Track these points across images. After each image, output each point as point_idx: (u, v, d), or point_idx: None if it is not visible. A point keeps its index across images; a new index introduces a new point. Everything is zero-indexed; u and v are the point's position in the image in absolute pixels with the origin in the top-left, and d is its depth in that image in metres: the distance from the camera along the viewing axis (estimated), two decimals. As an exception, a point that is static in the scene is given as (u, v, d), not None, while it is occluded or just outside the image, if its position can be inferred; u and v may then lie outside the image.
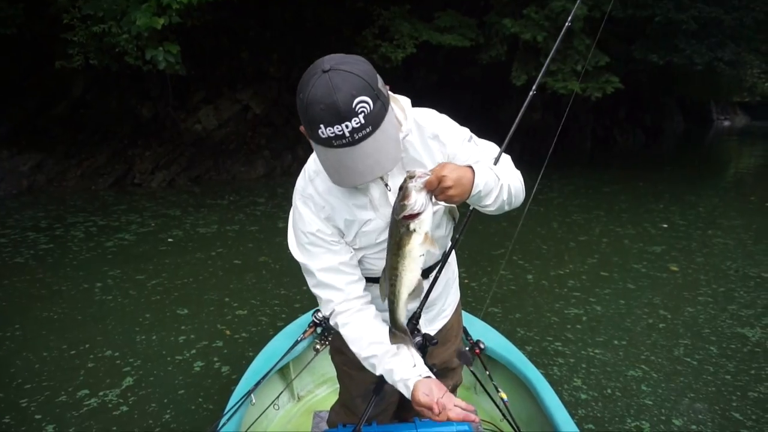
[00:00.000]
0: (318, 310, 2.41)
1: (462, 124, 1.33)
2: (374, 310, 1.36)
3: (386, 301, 1.27)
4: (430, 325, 1.55)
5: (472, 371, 2.19)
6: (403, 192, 1.09)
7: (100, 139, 9.12)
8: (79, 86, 9.14)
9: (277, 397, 2.31)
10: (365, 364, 1.32)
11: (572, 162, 12.66)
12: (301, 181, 1.30)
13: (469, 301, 4.17)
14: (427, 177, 1.09)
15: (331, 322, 1.36)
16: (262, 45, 10.25)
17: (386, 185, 1.25)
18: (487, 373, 2.15)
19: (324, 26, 10.48)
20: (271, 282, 4.53)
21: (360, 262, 1.37)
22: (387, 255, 1.18)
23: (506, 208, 1.30)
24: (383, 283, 1.22)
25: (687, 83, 16.28)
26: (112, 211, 6.79)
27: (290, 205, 1.32)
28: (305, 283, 1.36)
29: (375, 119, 1.05)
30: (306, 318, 2.53)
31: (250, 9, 9.41)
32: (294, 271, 4.71)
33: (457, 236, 1.53)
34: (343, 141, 1.05)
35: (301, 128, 1.11)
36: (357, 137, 1.04)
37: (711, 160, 16.19)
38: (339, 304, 1.32)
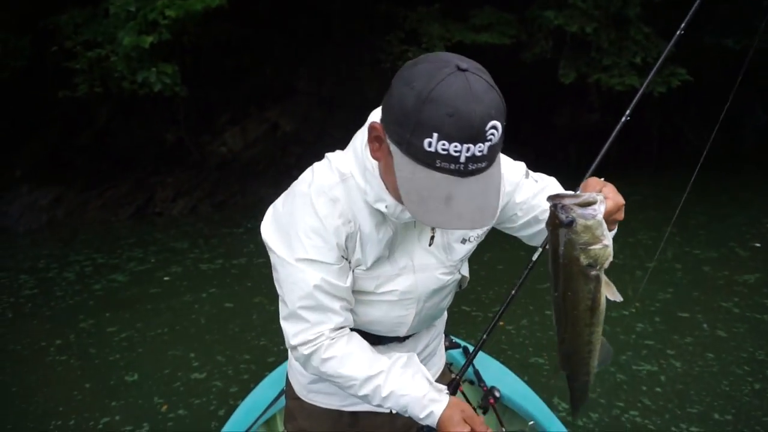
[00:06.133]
0: None
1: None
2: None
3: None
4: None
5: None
6: (592, 224, 0.87)
7: (123, 168, 8.85)
8: (103, 115, 8.97)
9: None
10: (365, 390, 1.05)
11: (636, 167, 11.26)
12: (325, 176, 1.05)
13: (503, 348, 3.50)
14: (604, 204, 0.89)
15: (304, 352, 1.06)
16: (288, 60, 9.77)
17: (432, 237, 1.10)
18: (503, 429, 1.91)
19: (354, 37, 9.89)
20: (255, 329, 3.89)
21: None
22: (568, 326, 0.97)
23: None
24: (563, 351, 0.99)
25: (770, 71, 14.38)
26: (119, 246, 6.34)
27: None
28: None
29: (493, 155, 0.86)
30: None
31: (273, 23, 8.99)
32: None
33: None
34: (452, 167, 0.83)
35: (375, 125, 0.90)
36: (470, 168, 0.84)
37: (804, 158, 14.20)
38: (334, 330, 1.07)
